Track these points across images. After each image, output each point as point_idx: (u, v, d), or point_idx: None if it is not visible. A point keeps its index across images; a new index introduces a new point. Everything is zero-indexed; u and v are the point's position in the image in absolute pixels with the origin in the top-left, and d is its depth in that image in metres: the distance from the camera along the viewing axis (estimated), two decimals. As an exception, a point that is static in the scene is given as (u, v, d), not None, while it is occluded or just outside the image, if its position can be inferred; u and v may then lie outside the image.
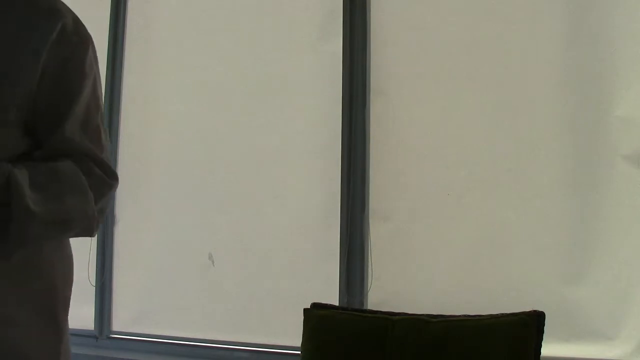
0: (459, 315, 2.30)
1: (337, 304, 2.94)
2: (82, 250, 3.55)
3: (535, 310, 2.19)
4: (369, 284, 2.99)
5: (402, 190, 2.98)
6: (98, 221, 1.69)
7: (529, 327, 2.16)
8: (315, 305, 2.48)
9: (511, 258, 2.77)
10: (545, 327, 2.17)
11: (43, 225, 1.56)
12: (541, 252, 2.73)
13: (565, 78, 2.74)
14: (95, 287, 3.57)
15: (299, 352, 2.42)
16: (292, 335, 2.60)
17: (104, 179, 1.69)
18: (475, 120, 2.88)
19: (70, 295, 1.74)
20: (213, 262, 3.34)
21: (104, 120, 1.75)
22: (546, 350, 2.19)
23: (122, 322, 3.56)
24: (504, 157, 2.82)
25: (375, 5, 3.10)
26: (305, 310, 2.46)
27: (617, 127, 2.64)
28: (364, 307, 2.93)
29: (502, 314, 2.23)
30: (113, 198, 1.65)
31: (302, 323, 2.44)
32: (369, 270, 2.99)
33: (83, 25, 1.71)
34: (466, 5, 2.94)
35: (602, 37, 2.69)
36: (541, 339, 2.17)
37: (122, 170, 3.62)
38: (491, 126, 2.86)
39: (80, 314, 3.56)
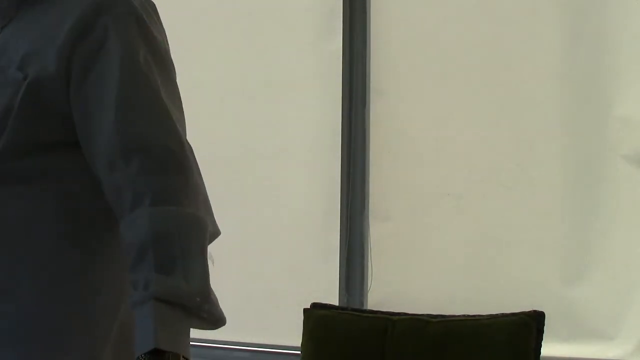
0: (459, 315, 2.29)
1: (337, 304, 2.94)
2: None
3: (535, 310, 2.18)
4: (369, 284, 2.98)
5: (402, 190, 2.97)
6: (212, 222, 1.45)
7: (529, 327, 2.15)
8: (315, 305, 2.47)
9: (511, 258, 2.76)
10: (545, 327, 2.17)
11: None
12: (541, 252, 2.73)
13: (565, 78, 2.74)
14: (95, 286, 3.56)
15: (299, 352, 2.41)
16: (292, 335, 2.59)
17: (178, 187, 1.39)
18: (475, 120, 2.88)
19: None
20: (213, 262, 3.32)
21: None
22: (546, 350, 2.18)
23: (122, 322, 3.55)
24: (504, 157, 2.82)
25: (375, 4, 3.09)
26: (305, 310, 2.45)
27: (617, 127, 2.64)
28: (364, 307, 2.92)
29: (502, 314, 2.22)
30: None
31: (302, 323, 2.43)
32: (369, 270, 2.99)
33: None
34: (466, 5, 2.93)
35: (602, 37, 2.68)
36: (541, 339, 2.16)
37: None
38: (491, 126, 2.85)
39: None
